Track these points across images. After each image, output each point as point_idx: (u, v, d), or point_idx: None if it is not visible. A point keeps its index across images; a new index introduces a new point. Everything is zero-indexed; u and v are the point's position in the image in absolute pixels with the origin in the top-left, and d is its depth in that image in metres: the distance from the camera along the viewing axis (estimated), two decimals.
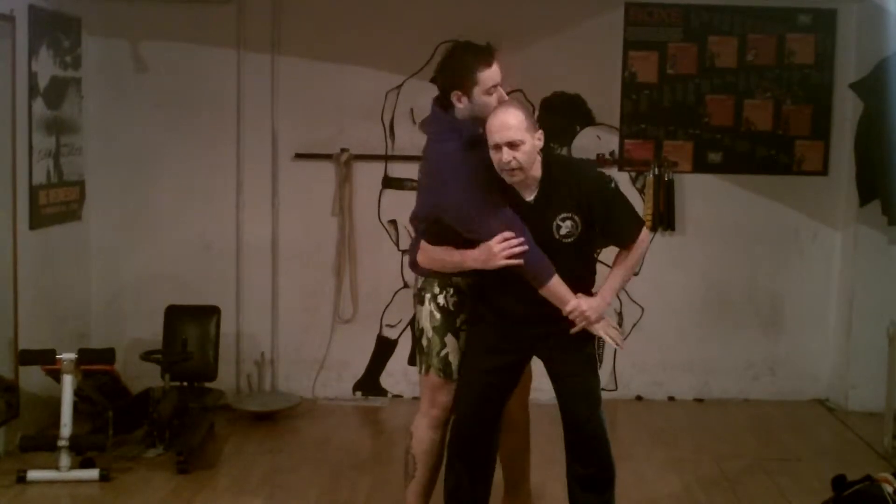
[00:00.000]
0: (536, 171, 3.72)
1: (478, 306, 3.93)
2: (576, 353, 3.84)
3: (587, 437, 3.88)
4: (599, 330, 3.79)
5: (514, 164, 3.60)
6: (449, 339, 3.96)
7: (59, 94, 5.75)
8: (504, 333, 3.85)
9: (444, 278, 3.95)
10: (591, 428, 3.87)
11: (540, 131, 3.70)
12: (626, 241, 3.88)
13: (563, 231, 3.73)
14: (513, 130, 3.59)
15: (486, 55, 3.79)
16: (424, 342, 4.01)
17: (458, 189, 3.76)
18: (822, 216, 6.47)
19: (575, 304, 3.72)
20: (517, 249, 3.65)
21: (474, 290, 3.94)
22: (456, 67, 3.81)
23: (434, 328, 3.97)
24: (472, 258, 3.75)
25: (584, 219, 3.74)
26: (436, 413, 4.03)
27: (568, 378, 3.87)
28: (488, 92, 3.77)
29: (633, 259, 3.87)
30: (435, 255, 3.88)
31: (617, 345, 3.84)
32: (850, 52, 6.29)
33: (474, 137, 3.78)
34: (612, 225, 3.85)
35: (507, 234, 3.67)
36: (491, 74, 3.78)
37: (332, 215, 6.38)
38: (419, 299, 4.04)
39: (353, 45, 6.29)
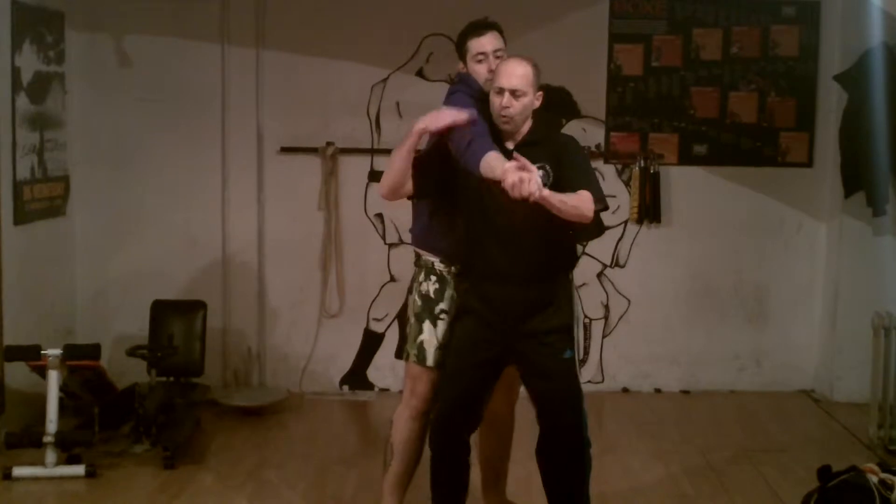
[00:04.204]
0: (526, 126, 3.83)
1: (464, 298, 3.94)
2: (556, 359, 3.84)
3: (564, 442, 3.91)
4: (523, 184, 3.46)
5: (510, 111, 3.72)
6: (426, 325, 4.01)
7: (42, 90, 5.73)
8: (489, 324, 3.84)
9: (429, 266, 4.03)
10: (569, 437, 3.90)
11: (540, 93, 3.84)
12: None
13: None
14: (518, 79, 3.73)
15: (477, 26, 4.00)
16: (408, 329, 4.11)
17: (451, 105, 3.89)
18: (806, 208, 6.49)
19: (511, 164, 3.46)
20: (464, 117, 3.69)
21: (459, 280, 3.96)
22: (458, 37, 4.05)
23: (416, 315, 4.06)
24: (417, 125, 3.76)
25: (556, 171, 3.74)
26: (415, 403, 4.07)
27: (547, 385, 3.87)
28: (476, 59, 3.94)
29: (578, 199, 3.60)
30: (389, 164, 3.88)
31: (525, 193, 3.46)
32: (834, 43, 6.30)
33: (481, 94, 3.90)
34: (570, 173, 3.74)
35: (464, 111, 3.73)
36: (478, 43, 3.95)
37: (319, 209, 6.37)
38: (410, 289, 4.14)
39: (339, 38, 6.28)
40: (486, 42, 3.94)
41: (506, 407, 4.26)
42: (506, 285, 3.81)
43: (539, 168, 3.65)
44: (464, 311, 3.94)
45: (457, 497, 4.04)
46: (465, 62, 4.02)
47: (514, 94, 3.71)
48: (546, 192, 3.46)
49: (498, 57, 3.93)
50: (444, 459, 3.98)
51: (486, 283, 3.85)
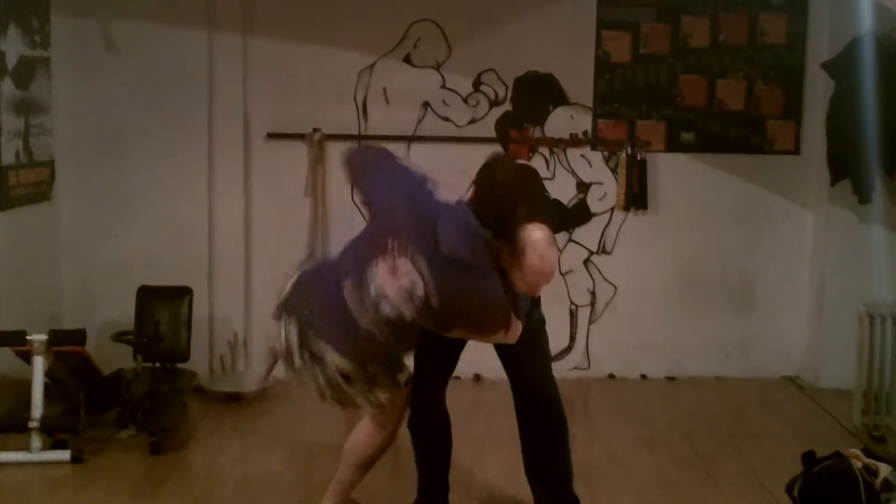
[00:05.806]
0: None
1: None
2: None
3: (539, 399, 4.01)
4: None
5: None
6: None
7: (27, 74, 5.70)
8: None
9: None
10: (543, 389, 4.01)
11: None
12: None
13: None
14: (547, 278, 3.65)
15: None
16: None
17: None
18: (793, 196, 6.50)
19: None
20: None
21: None
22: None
23: None
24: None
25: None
26: None
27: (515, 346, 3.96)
28: None
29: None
30: None
31: None
32: (821, 31, 6.30)
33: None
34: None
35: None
36: None
37: (305, 196, 6.36)
38: None
39: (325, 24, 6.26)
40: None
41: None
42: None
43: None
44: None
45: (442, 471, 4.19)
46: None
47: None
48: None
49: None
50: (427, 433, 4.18)
51: None
